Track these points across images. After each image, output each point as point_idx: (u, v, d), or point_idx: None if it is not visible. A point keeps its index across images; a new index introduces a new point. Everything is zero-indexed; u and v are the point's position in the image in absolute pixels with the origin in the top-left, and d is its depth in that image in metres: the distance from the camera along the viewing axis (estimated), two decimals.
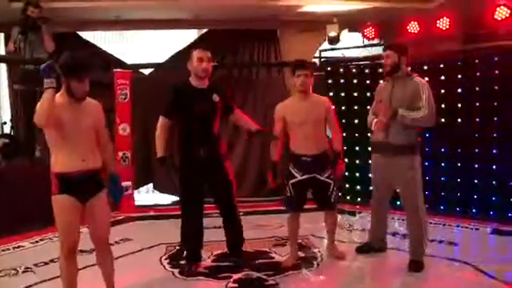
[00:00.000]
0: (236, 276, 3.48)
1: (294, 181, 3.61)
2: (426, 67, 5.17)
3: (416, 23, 5.30)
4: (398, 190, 3.74)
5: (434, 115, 3.52)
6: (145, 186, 6.83)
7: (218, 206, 3.67)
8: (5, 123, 5.92)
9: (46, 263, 3.83)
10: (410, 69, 3.71)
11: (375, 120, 3.65)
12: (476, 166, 5.06)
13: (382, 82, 3.83)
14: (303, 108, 3.57)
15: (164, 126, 3.48)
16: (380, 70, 4.76)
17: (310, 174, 3.58)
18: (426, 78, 3.71)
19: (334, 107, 3.86)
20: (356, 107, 5.68)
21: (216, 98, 3.47)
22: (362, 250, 3.99)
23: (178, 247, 4.19)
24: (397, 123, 3.54)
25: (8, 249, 4.26)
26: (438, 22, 5.12)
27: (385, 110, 3.55)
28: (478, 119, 4.98)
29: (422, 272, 3.53)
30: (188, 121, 3.45)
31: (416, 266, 3.58)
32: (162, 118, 3.48)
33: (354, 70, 5.83)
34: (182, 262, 3.81)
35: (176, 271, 3.64)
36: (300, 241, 4.04)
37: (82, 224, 2.80)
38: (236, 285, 3.36)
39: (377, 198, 3.88)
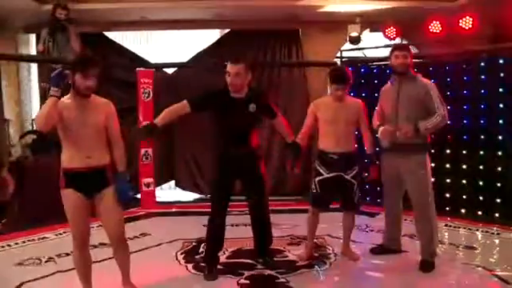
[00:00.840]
0: (248, 273, 3.54)
1: (320, 178, 3.68)
2: (447, 67, 5.12)
3: (438, 23, 5.21)
4: (407, 190, 3.71)
5: (447, 114, 3.55)
6: (167, 183, 6.97)
7: (247, 200, 3.66)
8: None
9: (67, 254, 3.96)
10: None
11: (381, 128, 3.68)
12: (499, 169, 4.96)
13: (387, 84, 3.82)
14: (337, 107, 3.64)
15: (181, 109, 3.38)
16: None
17: (337, 172, 3.64)
18: (433, 80, 3.74)
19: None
20: (377, 107, 5.63)
21: (253, 108, 3.45)
22: (377, 251, 3.99)
23: (194, 243, 4.30)
24: (406, 122, 3.54)
25: (33, 239, 4.46)
26: (460, 21, 5.02)
27: (404, 132, 3.51)
28: (500, 121, 4.88)
29: (432, 273, 3.51)
30: (223, 126, 3.50)
31: (426, 265, 3.57)
32: (186, 102, 3.38)
33: (374, 71, 5.79)
34: (197, 257, 3.92)
35: (190, 266, 3.73)
36: (315, 240, 4.07)
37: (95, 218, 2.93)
38: (247, 281, 3.41)
39: (389, 198, 3.88)
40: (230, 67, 3.38)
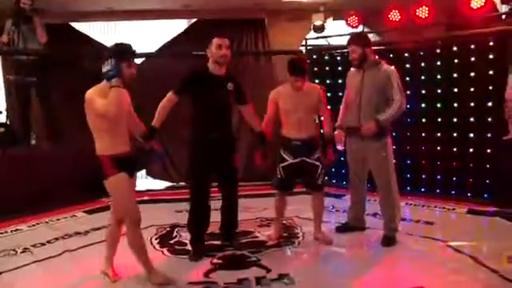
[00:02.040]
0: (221, 253, 3.71)
1: (284, 164, 3.82)
2: (406, 54, 5.39)
3: (397, 11, 5.47)
4: (371, 171, 3.97)
5: (404, 100, 3.78)
6: (139, 173, 7.01)
7: (220, 189, 3.79)
8: (1, 112, 6.08)
9: (42, 244, 4.05)
10: (376, 57, 3.93)
11: (336, 131, 4.00)
12: (454, 149, 5.29)
13: (352, 69, 4.03)
14: (296, 96, 3.74)
15: (170, 101, 3.51)
16: None
17: (300, 157, 3.79)
18: (392, 66, 3.92)
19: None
20: (341, 94, 5.85)
21: (230, 86, 3.58)
22: (341, 229, 4.22)
23: (168, 229, 4.43)
24: (366, 109, 3.79)
25: (6, 232, 4.47)
26: (417, 10, 5.28)
27: (368, 129, 3.74)
28: (455, 104, 5.19)
29: (394, 247, 3.79)
30: (203, 106, 3.55)
31: (388, 240, 3.84)
32: (172, 93, 3.50)
33: (338, 58, 6.01)
34: (171, 242, 4.05)
35: (165, 250, 3.86)
36: (284, 221, 4.29)
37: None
38: (220, 261, 3.59)
39: (353, 179, 4.13)
40: (220, 40, 3.49)
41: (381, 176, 3.89)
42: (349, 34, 6.26)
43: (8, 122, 6.02)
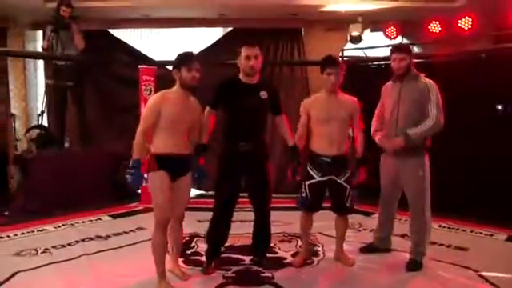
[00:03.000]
0: (235, 268, 3.61)
1: (311, 182, 3.54)
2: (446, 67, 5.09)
3: (437, 23, 5.21)
4: (405, 191, 3.72)
5: (442, 117, 3.50)
6: None
7: (251, 203, 3.60)
8: (42, 113, 6.25)
9: (63, 246, 4.11)
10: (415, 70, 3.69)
11: (378, 136, 3.71)
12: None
13: (389, 82, 3.79)
14: (330, 105, 3.48)
15: (209, 115, 3.46)
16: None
17: (329, 175, 3.50)
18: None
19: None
20: (378, 107, 5.62)
21: (264, 95, 3.42)
22: (366, 250, 4.01)
23: (187, 238, 4.37)
24: (403, 124, 3.54)
25: (33, 231, 4.57)
26: (459, 21, 4.99)
27: (394, 143, 3.54)
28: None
29: (419, 272, 3.54)
30: (233, 115, 3.44)
31: (414, 265, 3.59)
32: (209, 108, 3.46)
33: (375, 70, 5.80)
34: (188, 252, 3.99)
35: (180, 260, 3.79)
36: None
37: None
38: (234, 275, 3.48)
39: (385, 198, 3.89)
40: (248, 50, 3.36)
41: (415, 197, 3.62)
42: (387, 46, 6.12)
43: (46, 124, 6.27)
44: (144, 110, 3.20)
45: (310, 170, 3.56)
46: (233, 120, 3.46)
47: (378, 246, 3.98)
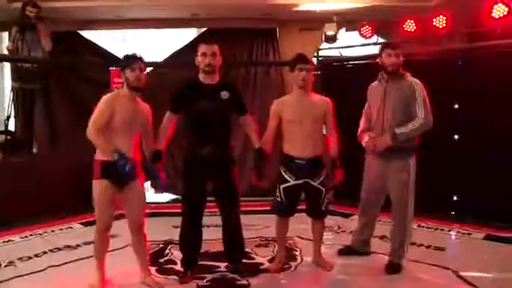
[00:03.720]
0: (211, 276, 3.48)
1: (285, 185, 3.41)
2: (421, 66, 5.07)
3: (412, 22, 5.18)
4: (389, 192, 3.63)
5: (430, 117, 3.42)
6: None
7: (219, 209, 3.49)
8: (8, 117, 5.98)
9: (29, 257, 3.90)
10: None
11: (366, 138, 3.57)
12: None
13: (374, 82, 3.68)
14: (302, 106, 3.36)
15: (168, 119, 3.35)
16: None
17: (304, 178, 3.39)
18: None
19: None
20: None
21: (225, 95, 3.29)
22: (344, 252, 3.93)
23: (161, 245, 4.23)
24: (390, 124, 3.45)
25: None
26: (434, 20, 4.98)
27: (382, 142, 3.44)
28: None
29: (399, 275, 3.48)
30: (193, 118, 3.32)
31: (393, 267, 3.53)
32: (169, 112, 3.36)
33: (350, 69, 5.76)
34: (161, 261, 3.85)
35: (153, 269, 3.65)
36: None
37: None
38: (208, 283, 3.36)
39: (368, 201, 3.77)
40: (205, 48, 3.26)
41: (399, 200, 3.52)
42: (362, 45, 6.10)
43: (13, 129, 6.01)
44: (96, 109, 3.04)
45: (283, 174, 3.44)
46: (193, 123, 3.34)
47: (358, 249, 3.91)
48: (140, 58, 3.11)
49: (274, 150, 3.52)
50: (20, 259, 3.84)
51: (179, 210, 5.14)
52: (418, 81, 3.49)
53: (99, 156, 3.05)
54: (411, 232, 3.65)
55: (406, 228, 3.55)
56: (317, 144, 3.42)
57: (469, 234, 4.56)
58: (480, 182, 4.83)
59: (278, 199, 3.48)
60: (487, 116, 4.78)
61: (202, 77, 3.34)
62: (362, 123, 3.72)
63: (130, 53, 3.15)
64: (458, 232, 4.64)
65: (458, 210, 5.07)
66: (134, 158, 3.11)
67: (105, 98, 3.06)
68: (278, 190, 3.48)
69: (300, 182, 3.40)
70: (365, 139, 3.58)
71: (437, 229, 4.72)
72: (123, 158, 2.97)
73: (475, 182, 4.88)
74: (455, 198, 5.09)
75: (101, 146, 2.99)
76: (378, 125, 3.55)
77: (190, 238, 3.46)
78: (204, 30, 6.71)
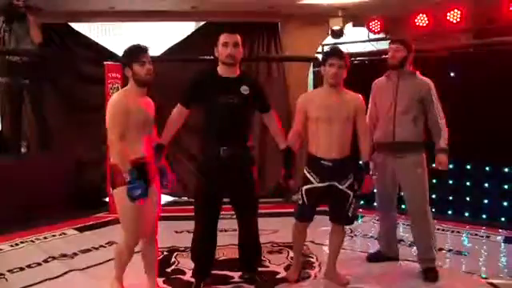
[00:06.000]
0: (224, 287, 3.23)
1: (308, 187, 3.12)
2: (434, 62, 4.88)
3: (425, 16, 4.98)
4: (402, 193, 3.50)
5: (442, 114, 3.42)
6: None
7: (236, 215, 3.21)
8: None
9: (21, 269, 3.55)
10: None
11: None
12: (487, 168, 4.77)
13: (381, 78, 3.56)
14: (331, 103, 3.06)
15: (179, 113, 3.08)
16: None
17: (330, 181, 3.10)
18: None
19: None
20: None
21: (246, 90, 3.00)
22: (374, 258, 3.73)
23: (166, 253, 3.94)
24: (402, 122, 3.36)
25: None
26: (448, 14, 4.79)
27: (444, 163, 3.36)
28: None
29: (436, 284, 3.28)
30: (210, 115, 3.03)
31: (431, 274, 3.34)
32: (180, 105, 3.08)
33: (357, 65, 5.53)
34: (168, 270, 3.56)
35: (160, 280, 3.35)
36: None
37: None
38: None
39: (382, 202, 3.61)
40: (226, 37, 3.01)
41: (415, 197, 3.37)
42: (370, 41, 5.89)
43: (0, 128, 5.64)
44: (110, 113, 2.73)
45: (308, 174, 3.15)
46: (210, 121, 3.05)
47: (386, 254, 3.71)
48: (146, 50, 2.82)
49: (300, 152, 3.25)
50: (10, 271, 3.50)
51: (179, 214, 5.00)
52: (429, 80, 3.44)
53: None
54: (435, 230, 3.49)
55: (429, 228, 3.39)
56: (345, 145, 3.12)
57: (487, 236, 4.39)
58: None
59: (300, 202, 3.19)
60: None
61: (220, 69, 3.06)
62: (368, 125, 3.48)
63: (133, 45, 2.84)
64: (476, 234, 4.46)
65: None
66: (149, 160, 2.83)
67: (114, 100, 2.74)
68: (300, 192, 3.20)
69: (325, 184, 3.11)
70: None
71: (453, 231, 4.54)
72: (135, 180, 2.64)
73: None
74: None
75: (119, 155, 2.69)
76: (389, 120, 3.43)
77: (205, 247, 3.16)
78: (203, 23, 6.41)
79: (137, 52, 2.79)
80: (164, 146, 3.03)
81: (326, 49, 3.30)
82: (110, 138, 2.71)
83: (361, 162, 3.20)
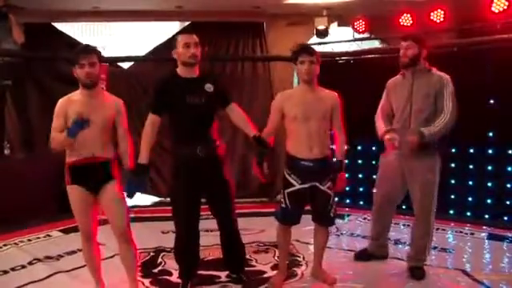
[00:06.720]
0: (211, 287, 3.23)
1: (290, 190, 3.08)
2: None
3: (409, 16, 5.02)
4: (411, 193, 3.44)
5: (456, 113, 3.26)
6: None
7: (213, 214, 3.20)
8: None
9: (5, 272, 3.51)
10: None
11: (387, 136, 3.33)
12: (471, 166, 4.84)
13: (396, 77, 3.49)
14: (307, 101, 3.04)
15: (152, 123, 3.02)
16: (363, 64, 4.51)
17: (311, 182, 3.08)
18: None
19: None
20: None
21: (210, 87, 3.01)
22: (360, 257, 3.74)
23: (152, 253, 3.92)
24: (417, 121, 3.28)
25: None
26: (432, 14, 4.83)
27: (409, 142, 3.22)
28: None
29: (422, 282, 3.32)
30: (180, 117, 3.02)
31: (418, 271, 3.36)
32: (151, 114, 3.03)
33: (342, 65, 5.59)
34: (155, 271, 3.54)
35: (146, 281, 3.34)
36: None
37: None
38: None
39: (381, 201, 3.57)
40: (187, 37, 3.00)
41: (423, 202, 3.33)
42: (355, 40, 5.92)
43: None
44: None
45: (288, 177, 3.11)
46: (177, 122, 3.04)
47: (375, 253, 3.71)
48: (91, 52, 2.80)
49: (274, 148, 3.21)
50: None
51: (165, 214, 4.95)
52: (446, 75, 3.32)
53: (68, 158, 2.86)
54: (433, 234, 3.50)
55: (429, 231, 3.40)
56: (324, 144, 3.11)
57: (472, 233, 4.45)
58: None
59: (283, 205, 3.14)
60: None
61: (181, 71, 3.03)
62: (380, 122, 3.49)
63: (80, 46, 2.90)
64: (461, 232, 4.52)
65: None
66: (110, 157, 2.88)
67: (58, 103, 2.84)
68: (282, 196, 3.17)
69: (306, 185, 3.09)
70: (386, 137, 3.35)
71: (438, 228, 4.58)
72: (78, 125, 2.68)
73: None
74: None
75: (58, 139, 2.76)
76: (404, 121, 3.37)
77: (189, 248, 3.15)
78: (187, 23, 6.38)
79: (77, 54, 2.78)
80: (147, 167, 3.00)
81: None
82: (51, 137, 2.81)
83: (335, 160, 3.17)
